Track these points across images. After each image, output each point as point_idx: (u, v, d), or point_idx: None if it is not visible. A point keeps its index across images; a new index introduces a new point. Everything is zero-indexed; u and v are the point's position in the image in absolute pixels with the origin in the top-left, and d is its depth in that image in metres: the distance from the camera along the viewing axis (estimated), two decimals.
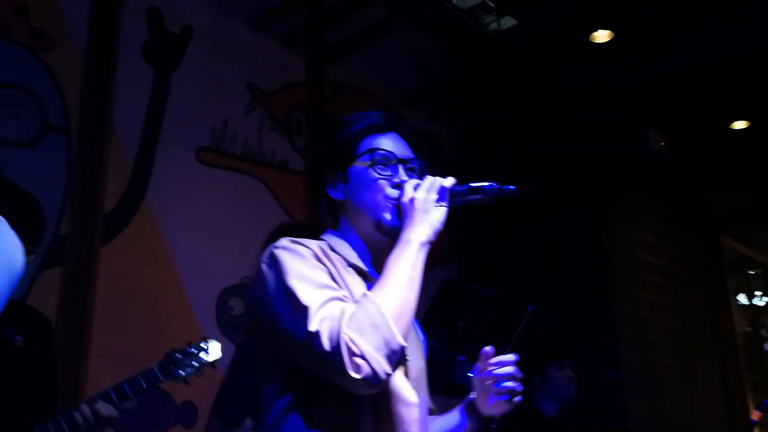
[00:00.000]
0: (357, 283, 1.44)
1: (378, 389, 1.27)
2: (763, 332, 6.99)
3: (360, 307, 1.27)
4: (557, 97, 4.64)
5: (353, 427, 1.32)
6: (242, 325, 2.61)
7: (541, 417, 3.49)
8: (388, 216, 1.48)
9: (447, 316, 2.48)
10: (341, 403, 1.31)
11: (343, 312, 1.25)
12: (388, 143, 1.55)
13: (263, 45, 4.11)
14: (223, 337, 3.44)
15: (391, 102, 4.75)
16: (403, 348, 1.26)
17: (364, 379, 1.21)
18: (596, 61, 4.32)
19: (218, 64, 3.88)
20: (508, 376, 1.60)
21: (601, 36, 4.06)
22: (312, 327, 1.24)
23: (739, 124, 4.96)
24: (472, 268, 4.81)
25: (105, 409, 2.06)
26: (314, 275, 1.34)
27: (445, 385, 2.50)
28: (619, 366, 4.23)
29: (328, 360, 1.22)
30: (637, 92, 4.65)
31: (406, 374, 1.45)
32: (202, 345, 2.24)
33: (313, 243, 1.43)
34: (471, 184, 1.48)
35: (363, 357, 1.21)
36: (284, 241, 1.41)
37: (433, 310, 2.49)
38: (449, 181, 1.47)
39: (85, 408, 2.06)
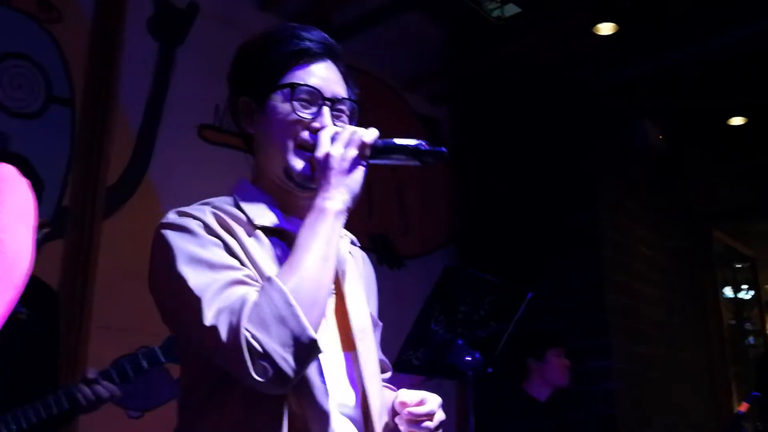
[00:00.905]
0: (265, 250, 1.24)
1: (287, 389, 1.11)
2: (747, 325, 7.09)
3: (264, 295, 1.08)
4: (557, 87, 4.67)
5: (268, 426, 1.14)
6: None
7: (531, 400, 3.54)
8: (298, 165, 1.27)
9: (448, 301, 2.54)
10: (253, 400, 1.14)
11: (243, 302, 1.08)
12: (317, 74, 1.31)
13: (269, 24, 4.10)
14: None
15: (393, 84, 4.77)
16: (314, 341, 1.08)
17: (270, 381, 1.05)
18: (598, 52, 4.34)
19: (223, 42, 3.84)
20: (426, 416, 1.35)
21: (605, 28, 4.08)
22: (207, 321, 1.07)
23: (737, 120, 4.99)
24: (469, 253, 4.85)
25: (106, 389, 2.09)
26: (207, 255, 1.15)
27: (444, 367, 2.56)
28: (609, 355, 4.30)
29: (228, 358, 1.06)
30: (636, 84, 4.68)
31: (350, 328, 1.28)
32: None
33: (206, 211, 1.23)
34: (396, 141, 1.25)
35: (268, 356, 1.04)
36: (171, 216, 1.22)
37: (434, 295, 2.55)
38: (371, 135, 1.23)
39: (85, 388, 2.08)
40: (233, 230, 1.21)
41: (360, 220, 4.07)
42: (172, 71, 3.64)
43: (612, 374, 4.27)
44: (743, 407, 2.62)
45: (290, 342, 1.06)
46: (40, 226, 2.22)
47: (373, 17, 4.24)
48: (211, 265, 1.13)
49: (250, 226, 1.24)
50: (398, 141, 1.25)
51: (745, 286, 7.14)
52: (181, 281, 1.12)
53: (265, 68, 1.31)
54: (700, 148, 5.41)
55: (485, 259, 4.66)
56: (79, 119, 3.25)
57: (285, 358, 1.05)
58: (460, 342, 2.55)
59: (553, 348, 3.60)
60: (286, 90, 1.29)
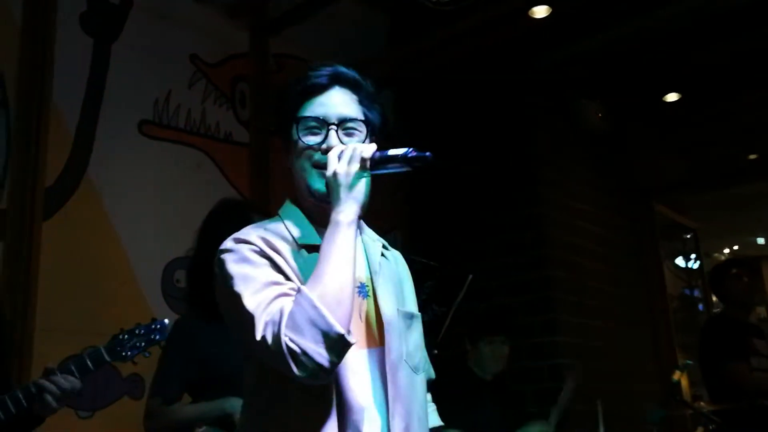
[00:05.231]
0: (307, 264, 1.42)
1: (329, 378, 1.32)
2: (696, 293, 7.32)
3: (295, 304, 1.28)
4: (496, 69, 4.72)
5: (323, 417, 1.35)
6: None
7: (476, 378, 3.59)
8: (317, 184, 1.46)
9: None
10: (305, 402, 1.36)
11: (281, 313, 1.27)
12: (323, 103, 1.50)
13: (206, 15, 4.07)
14: (170, 309, 3.47)
15: None
16: (342, 335, 1.26)
17: (311, 375, 1.25)
18: (534, 34, 4.40)
19: (160, 36, 3.84)
20: None
21: (540, 11, 4.15)
22: (258, 335, 1.27)
23: (671, 97, 5.12)
24: (414, 239, 4.90)
25: (66, 380, 2.04)
26: (258, 275, 1.36)
27: None
28: (556, 330, 4.40)
29: (276, 361, 1.26)
30: (573, 65, 4.76)
31: (380, 316, 1.46)
32: (151, 326, 2.25)
33: (256, 236, 1.42)
34: (389, 152, 1.41)
35: (305, 354, 1.24)
36: (228, 243, 1.43)
37: None
38: (369, 150, 1.41)
39: (44, 381, 2.03)
40: (280, 249, 1.42)
41: None
42: (108, 67, 3.59)
43: (560, 349, 4.38)
44: (677, 375, 2.71)
45: (321, 339, 1.25)
46: None
47: (311, 6, 4.22)
48: (262, 284, 1.34)
49: (296, 244, 1.46)
50: (391, 152, 1.41)
51: (693, 256, 7.37)
52: (238, 300, 1.32)
53: (283, 112, 1.54)
54: (638, 124, 5.54)
55: (430, 243, 4.73)
56: (14, 121, 3.20)
57: (319, 353, 1.24)
58: None
59: (486, 336, 3.63)
60: (293, 125, 1.50)
